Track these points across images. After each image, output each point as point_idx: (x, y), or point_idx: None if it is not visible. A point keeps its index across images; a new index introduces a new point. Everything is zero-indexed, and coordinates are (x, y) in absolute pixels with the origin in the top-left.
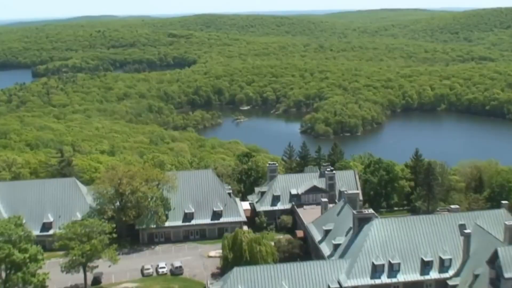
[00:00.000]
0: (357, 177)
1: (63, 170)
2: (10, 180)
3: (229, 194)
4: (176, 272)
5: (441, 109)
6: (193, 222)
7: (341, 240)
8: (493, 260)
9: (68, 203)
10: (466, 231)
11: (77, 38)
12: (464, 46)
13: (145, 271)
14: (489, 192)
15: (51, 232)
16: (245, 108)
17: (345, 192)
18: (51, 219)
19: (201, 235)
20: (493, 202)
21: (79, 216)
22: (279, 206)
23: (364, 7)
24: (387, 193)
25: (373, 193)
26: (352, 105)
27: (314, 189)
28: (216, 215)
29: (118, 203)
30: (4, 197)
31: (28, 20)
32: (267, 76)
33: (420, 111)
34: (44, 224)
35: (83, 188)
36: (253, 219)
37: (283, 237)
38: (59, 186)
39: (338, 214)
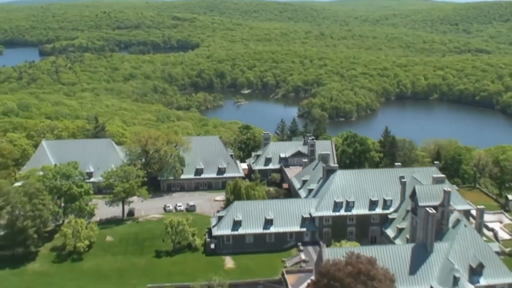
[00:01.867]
0: (333, 145)
1: (98, 134)
2: None
3: (231, 155)
4: (190, 209)
5: (433, 98)
6: (203, 176)
7: (314, 186)
8: (413, 195)
9: (105, 158)
10: (403, 180)
11: (83, 18)
12: (462, 38)
13: (167, 208)
14: (443, 163)
15: (92, 180)
16: (246, 91)
17: (320, 153)
18: (92, 170)
19: (209, 186)
20: (445, 171)
21: (114, 168)
22: (271, 166)
23: None
24: (360, 162)
25: (348, 161)
26: (348, 92)
27: (298, 154)
28: (221, 171)
29: (144, 159)
30: (54, 152)
31: None
32: (268, 62)
33: (413, 99)
34: (86, 173)
35: (117, 147)
36: (250, 176)
37: (272, 189)
38: (98, 144)
39: (314, 168)
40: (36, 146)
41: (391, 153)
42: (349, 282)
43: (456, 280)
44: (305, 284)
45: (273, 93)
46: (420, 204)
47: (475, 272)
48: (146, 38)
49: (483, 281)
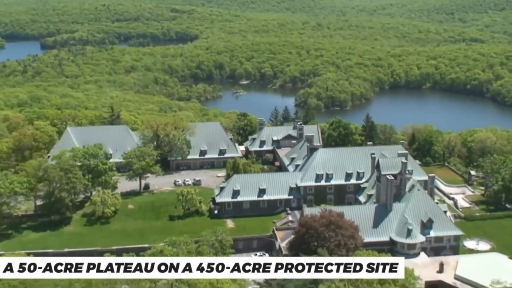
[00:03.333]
0: (318, 129)
1: (114, 121)
2: None
3: (231, 139)
4: (196, 183)
5: (426, 87)
6: (206, 156)
7: (300, 162)
8: (377, 166)
9: (122, 141)
10: (373, 156)
11: (83, 11)
12: (457, 27)
13: (177, 183)
14: (417, 144)
15: (111, 160)
16: (244, 82)
17: (306, 134)
18: (111, 152)
19: (211, 165)
20: (418, 151)
21: (130, 150)
22: (265, 148)
23: None
24: (344, 144)
25: (333, 143)
26: (343, 82)
27: (288, 137)
28: (222, 152)
29: (155, 142)
30: (78, 137)
31: None
32: (265, 53)
33: (406, 88)
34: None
35: (131, 132)
36: (247, 156)
37: (266, 166)
38: (116, 130)
39: (300, 148)
40: (59, 132)
41: (370, 136)
42: (322, 230)
43: (409, 232)
44: (291, 236)
45: (271, 84)
46: (383, 173)
47: (426, 226)
48: (145, 30)
49: (432, 233)
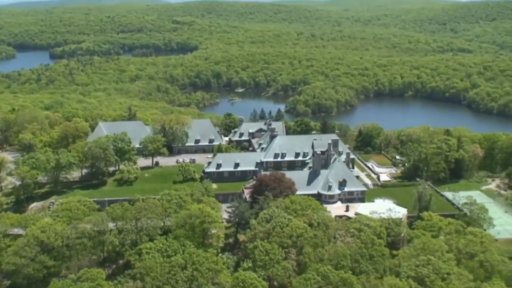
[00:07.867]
0: (283, 124)
1: (131, 118)
2: None
3: (218, 132)
4: (192, 162)
5: (408, 95)
6: (200, 144)
7: (264, 145)
8: (312, 146)
9: (138, 132)
10: (314, 140)
11: (89, 22)
12: (446, 38)
13: (178, 161)
14: (361, 137)
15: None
16: (240, 90)
17: (270, 126)
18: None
19: (203, 150)
20: (362, 143)
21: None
22: (243, 138)
23: None
24: None
25: None
26: (329, 90)
27: (260, 130)
28: (211, 140)
29: (163, 133)
30: (106, 129)
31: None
32: (260, 63)
33: (390, 96)
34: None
35: (145, 126)
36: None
37: (243, 151)
38: (134, 125)
39: (266, 136)
40: (91, 126)
41: (324, 131)
42: (270, 182)
43: (330, 187)
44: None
45: (264, 92)
46: (315, 150)
47: (342, 185)
48: (148, 41)
49: (346, 189)
